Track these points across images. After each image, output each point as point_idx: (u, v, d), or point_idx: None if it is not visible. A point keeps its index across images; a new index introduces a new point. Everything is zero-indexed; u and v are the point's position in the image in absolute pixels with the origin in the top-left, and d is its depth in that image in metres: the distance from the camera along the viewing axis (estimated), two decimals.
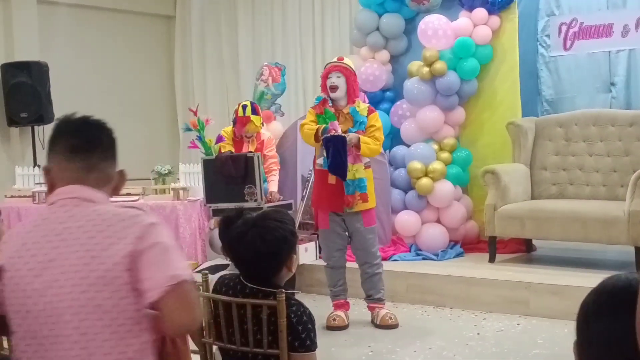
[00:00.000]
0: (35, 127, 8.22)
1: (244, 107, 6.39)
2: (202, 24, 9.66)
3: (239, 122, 6.38)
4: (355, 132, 5.30)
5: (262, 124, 6.57)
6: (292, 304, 2.68)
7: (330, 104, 5.42)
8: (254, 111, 6.39)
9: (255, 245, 2.67)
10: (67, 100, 8.55)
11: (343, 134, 5.23)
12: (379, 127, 5.43)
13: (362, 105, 5.44)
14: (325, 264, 5.63)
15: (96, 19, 9.22)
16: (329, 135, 5.22)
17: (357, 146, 5.26)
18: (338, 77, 5.37)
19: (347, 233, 5.48)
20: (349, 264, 5.64)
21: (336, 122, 5.33)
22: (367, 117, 5.38)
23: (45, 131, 8.31)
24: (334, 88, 5.36)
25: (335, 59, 5.55)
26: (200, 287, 3.07)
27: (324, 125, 5.29)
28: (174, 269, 2.03)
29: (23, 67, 7.98)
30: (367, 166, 5.41)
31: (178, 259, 2.08)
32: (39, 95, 7.97)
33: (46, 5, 8.60)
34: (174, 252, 2.08)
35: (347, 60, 5.53)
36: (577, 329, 1.57)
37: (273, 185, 6.41)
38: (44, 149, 8.18)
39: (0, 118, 8.21)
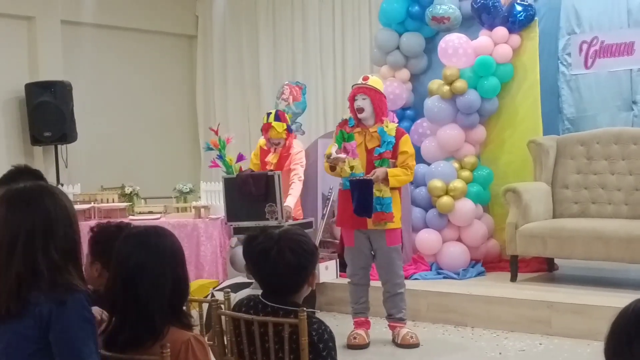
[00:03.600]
0: (59, 146, 8.31)
1: (269, 114, 6.50)
2: (223, 44, 9.74)
3: (263, 128, 6.50)
4: (383, 152, 5.31)
5: (288, 130, 6.53)
6: (314, 322, 2.69)
7: (351, 125, 5.45)
8: (277, 118, 6.43)
9: (284, 258, 2.69)
10: (90, 119, 8.69)
11: (369, 178, 5.25)
12: (412, 154, 5.41)
13: (391, 125, 5.41)
14: (349, 280, 5.63)
15: (119, 39, 9.33)
16: (354, 179, 5.27)
17: (386, 180, 5.26)
18: (363, 99, 5.39)
19: (372, 252, 5.48)
20: (373, 283, 5.63)
21: (353, 143, 5.36)
22: (394, 137, 5.36)
23: (68, 150, 8.42)
24: (360, 110, 5.38)
25: (360, 80, 5.55)
26: (222, 306, 3.09)
27: (349, 171, 5.31)
28: None
29: (47, 87, 8.08)
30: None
31: None
32: (63, 115, 8.05)
33: (70, 26, 8.71)
34: None
35: (372, 80, 5.52)
36: (615, 351, 1.56)
37: (289, 199, 6.25)
38: (67, 167, 8.37)
39: (24, 137, 8.31)
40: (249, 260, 2.83)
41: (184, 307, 2.56)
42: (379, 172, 5.25)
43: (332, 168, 5.41)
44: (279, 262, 2.70)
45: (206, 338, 3.09)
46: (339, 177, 5.51)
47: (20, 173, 3.07)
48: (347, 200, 5.39)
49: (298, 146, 6.69)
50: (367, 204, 5.26)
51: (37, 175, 3.13)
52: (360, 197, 5.27)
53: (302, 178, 6.52)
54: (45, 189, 2.34)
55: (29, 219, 2.24)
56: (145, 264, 2.41)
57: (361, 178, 5.28)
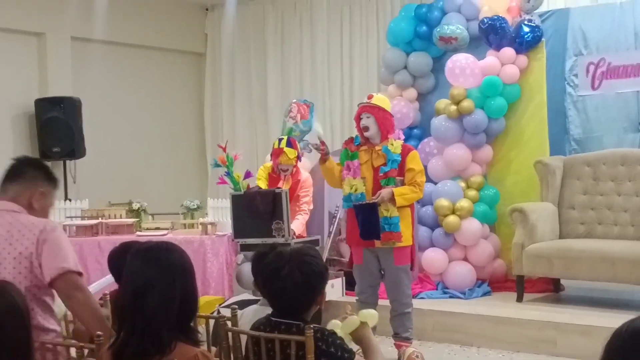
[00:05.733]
0: (67, 162, 8.35)
1: (280, 140, 6.52)
2: (232, 62, 9.80)
3: (274, 153, 6.50)
4: (388, 171, 5.32)
5: (298, 158, 6.58)
6: (316, 332, 2.69)
7: (357, 143, 5.47)
8: (289, 144, 6.47)
9: (293, 278, 2.70)
10: (99, 135, 8.73)
11: (373, 201, 5.26)
12: (419, 170, 5.39)
13: (396, 143, 5.40)
14: (356, 298, 5.63)
15: (128, 56, 9.39)
16: (358, 203, 5.31)
17: (392, 200, 5.27)
18: (367, 117, 5.41)
19: (381, 271, 5.48)
20: (380, 302, 5.62)
21: (356, 162, 5.39)
22: (400, 154, 5.35)
23: (76, 165, 8.46)
24: (365, 129, 5.41)
25: (366, 99, 5.57)
26: (229, 322, 3.10)
27: (348, 190, 5.40)
28: (61, 260, 3.01)
29: (56, 102, 8.13)
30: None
31: (67, 254, 3.04)
32: (72, 130, 8.10)
33: (80, 42, 8.77)
34: (65, 249, 3.05)
35: (377, 98, 5.53)
36: None
37: (295, 224, 6.33)
38: (75, 183, 8.41)
39: (33, 152, 8.34)
40: (259, 278, 2.84)
41: (192, 323, 2.58)
42: (384, 193, 5.25)
43: (323, 160, 5.47)
44: (288, 281, 2.71)
45: (213, 354, 3.09)
46: (332, 180, 5.56)
47: (24, 165, 3.31)
48: (355, 218, 5.40)
49: (305, 172, 6.73)
50: (373, 228, 5.27)
51: (39, 165, 3.38)
52: (365, 220, 5.29)
53: (311, 208, 6.59)
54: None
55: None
56: (154, 279, 2.43)
57: (365, 202, 5.29)
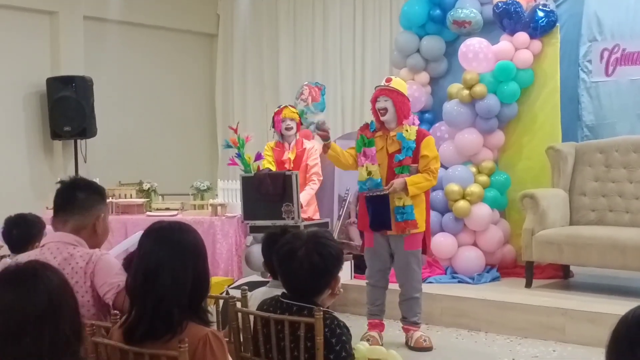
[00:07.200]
0: (78, 141, 8.37)
1: (280, 106, 6.72)
2: (243, 43, 9.78)
3: (276, 114, 6.64)
4: (402, 159, 5.29)
5: (300, 121, 6.75)
6: (326, 318, 2.70)
7: (372, 130, 5.45)
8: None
9: (310, 259, 2.71)
10: (110, 115, 8.74)
11: (384, 193, 5.25)
12: (433, 157, 5.33)
13: (411, 129, 5.34)
14: (366, 281, 5.64)
15: (141, 36, 9.39)
16: (368, 195, 5.31)
17: (405, 189, 5.23)
18: (385, 100, 5.37)
19: (392, 255, 5.46)
20: (391, 285, 5.63)
21: (373, 149, 5.36)
22: (415, 141, 5.29)
23: (87, 145, 8.48)
24: (382, 112, 5.38)
25: (383, 82, 5.52)
26: (238, 303, 3.11)
27: (366, 175, 5.36)
28: (114, 278, 2.96)
29: (68, 82, 8.14)
30: None
31: (117, 272, 3.00)
32: (83, 110, 8.11)
33: (92, 22, 8.77)
34: (114, 268, 3.02)
35: (395, 82, 5.47)
36: (617, 355, 1.57)
37: (303, 195, 6.32)
38: (86, 162, 8.43)
39: (44, 131, 8.38)
40: (274, 258, 2.85)
41: (203, 304, 2.58)
42: (397, 183, 5.22)
43: (325, 149, 5.44)
44: (305, 262, 2.72)
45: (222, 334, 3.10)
46: (340, 164, 5.55)
47: (75, 191, 3.17)
48: (366, 205, 5.41)
49: (310, 142, 6.76)
50: (383, 220, 5.27)
51: (88, 186, 3.22)
52: (376, 212, 5.29)
53: (321, 179, 6.63)
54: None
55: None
56: (167, 259, 2.43)
57: (376, 194, 5.28)
